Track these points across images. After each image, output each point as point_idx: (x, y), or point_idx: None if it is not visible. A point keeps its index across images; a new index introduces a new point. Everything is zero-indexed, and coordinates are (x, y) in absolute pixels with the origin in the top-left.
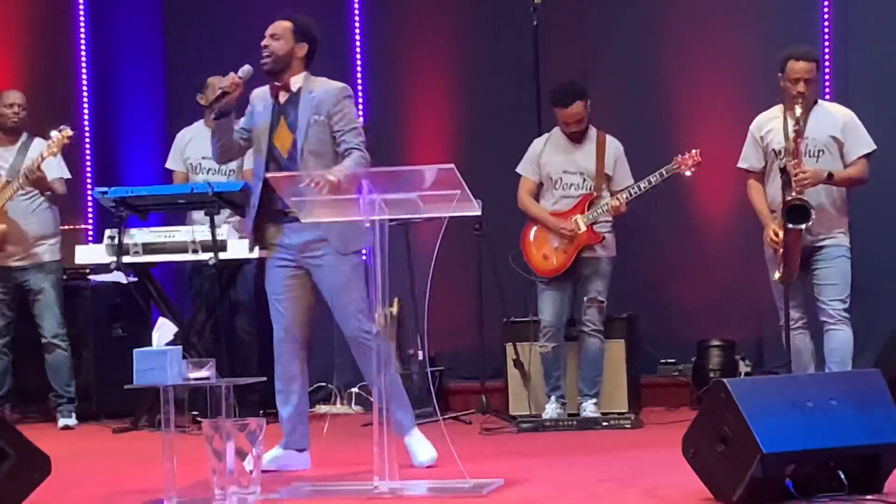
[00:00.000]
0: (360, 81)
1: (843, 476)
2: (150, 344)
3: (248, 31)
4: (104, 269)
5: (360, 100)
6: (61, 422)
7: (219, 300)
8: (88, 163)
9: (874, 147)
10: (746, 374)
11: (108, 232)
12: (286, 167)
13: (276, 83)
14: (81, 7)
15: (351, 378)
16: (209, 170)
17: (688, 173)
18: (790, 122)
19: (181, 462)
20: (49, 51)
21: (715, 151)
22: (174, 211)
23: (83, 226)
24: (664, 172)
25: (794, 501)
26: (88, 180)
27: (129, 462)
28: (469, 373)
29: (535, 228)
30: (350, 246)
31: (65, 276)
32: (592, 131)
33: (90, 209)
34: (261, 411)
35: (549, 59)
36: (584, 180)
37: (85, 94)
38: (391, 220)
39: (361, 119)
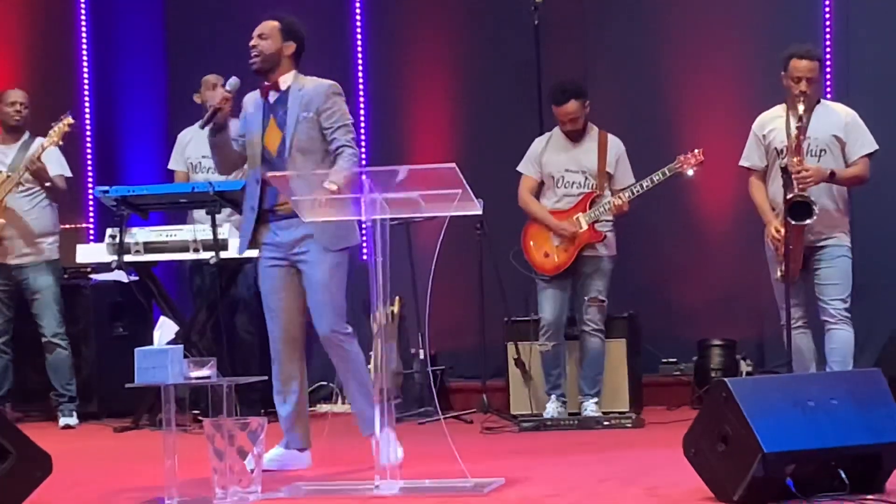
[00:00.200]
0: (361, 81)
1: (843, 475)
2: (151, 343)
3: (249, 31)
4: (105, 267)
5: (361, 99)
6: (62, 421)
7: (220, 299)
8: (89, 162)
9: (876, 147)
10: (747, 373)
11: (109, 231)
12: (275, 165)
13: (265, 82)
14: (83, 6)
15: None
16: (209, 168)
17: (690, 172)
18: (792, 121)
19: (182, 461)
20: (50, 50)
21: (716, 150)
22: (175, 210)
23: (84, 225)
24: (667, 171)
25: (794, 501)
26: (90, 179)
27: (130, 461)
28: (470, 372)
29: (535, 227)
30: (338, 243)
31: (66, 275)
32: (594, 130)
33: (91, 208)
34: (262, 410)
35: (551, 59)
36: (586, 179)
37: (86, 93)
38: (392, 220)
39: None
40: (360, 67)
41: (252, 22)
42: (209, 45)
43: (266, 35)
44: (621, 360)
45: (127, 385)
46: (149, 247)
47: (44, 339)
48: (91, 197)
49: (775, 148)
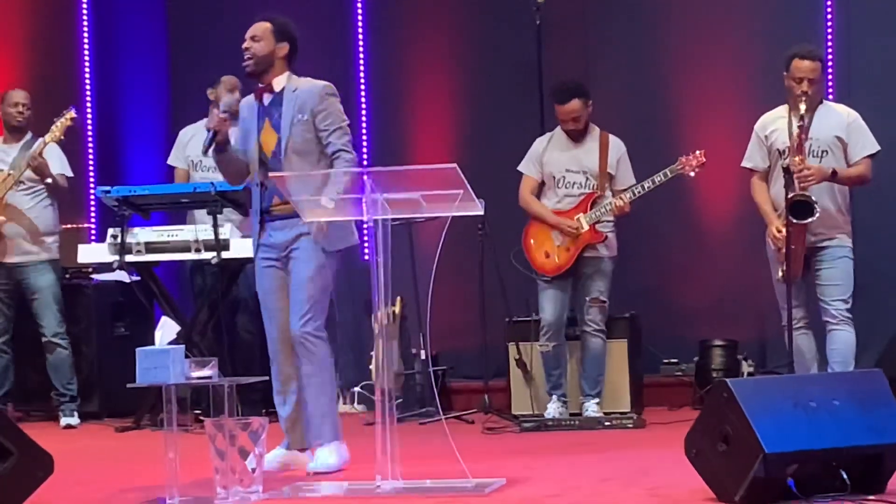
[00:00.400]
0: (362, 80)
1: (845, 476)
2: (152, 343)
3: None
4: (107, 267)
5: (363, 99)
6: (63, 421)
7: (221, 299)
8: (91, 162)
9: (878, 148)
10: (749, 373)
11: (110, 231)
12: (272, 167)
13: (259, 85)
14: (85, 6)
15: (354, 377)
16: (210, 168)
17: (692, 174)
18: (794, 120)
19: (183, 461)
20: (52, 50)
21: (718, 151)
22: (177, 210)
23: (86, 225)
24: (668, 173)
25: (796, 501)
26: (91, 179)
27: (132, 461)
28: (471, 372)
29: (536, 226)
30: (335, 244)
31: (67, 275)
32: (595, 130)
33: (93, 208)
34: (263, 410)
35: (552, 58)
36: (587, 179)
37: (88, 93)
38: (394, 220)
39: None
40: (362, 67)
41: (253, 21)
42: (211, 45)
43: (258, 37)
44: (622, 361)
45: (128, 385)
46: (150, 247)
47: (44, 339)
48: (92, 197)
49: (777, 149)
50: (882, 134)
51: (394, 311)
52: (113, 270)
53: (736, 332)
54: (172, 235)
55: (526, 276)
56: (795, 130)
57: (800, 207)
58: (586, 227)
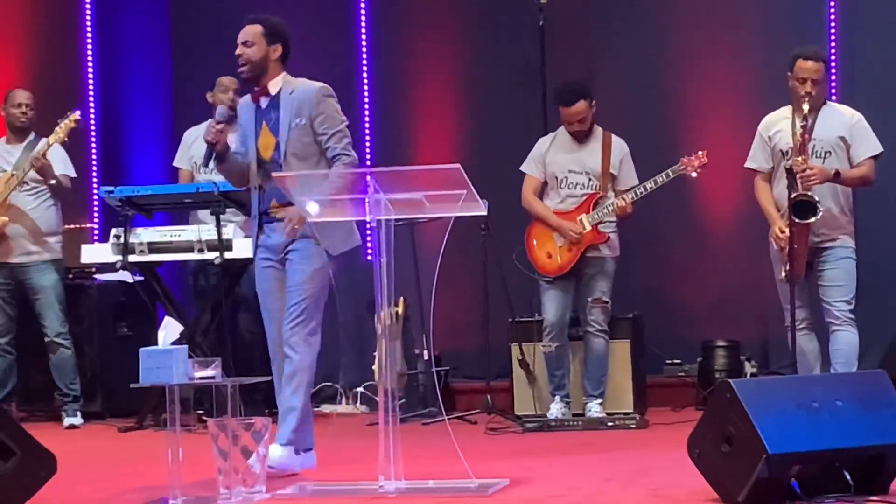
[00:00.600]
0: (366, 81)
1: (848, 477)
2: (155, 343)
3: None
4: (110, 268)
5: (366, 100)
6: (66, 421)
7: (224, 299)
8: (94, 162)
9: (881, 149)
10: (752, 374)
11: (113, 231)
12: (270, 170)
13: (255, 88)
14: (88, 6)
15: (356, 377)
16: (213, 169)
17: (694, 174)
18: (798, 121)
19: (186, 461)
20: (56, 50)
21: (721, 152)
22: (180, 210)
23: (89, 225)
24: (670, 173)
25: (799, 502)
26: (94, 179)
27: (135, 461)
28: (474, 372)
29: (538, 227)
30: (338, 247)
31: (70, 275)
32: (598, 131)
33: (96, 208)
34: (266, 410)
35: (555, 59)
36: (590, 180)
37: (91, 93)
38: (397, 220)
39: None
40: (365, 67)
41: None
42: (214, 45)
43: (251, 42)
44: (625, 361)
45: (131, 385)
46: (153, 247)
47: (47, 339)
48: (96, 197)
49: (781, 149)
50: (885, 135)
51: (397, 312)
52: (116, 270)
53: (739, 332)
54: (175, 236)
55: (529, 276)
56: (798, 130)
57: (803, 207)
58: (588, 228)
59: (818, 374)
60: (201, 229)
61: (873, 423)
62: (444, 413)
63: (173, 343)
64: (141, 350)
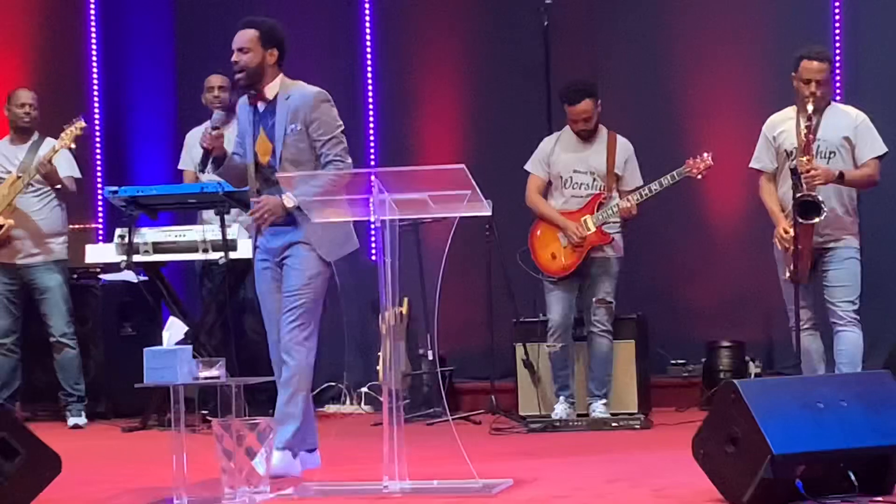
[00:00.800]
0: (370, 81)
1: (853, 477)
2: (160, 343)
3: None
4: (114, 268)
5: (370, 100)
6: (71, 420)
7: (228, 299)
8: (99, 162)
9: (886, 149)
10: (756, 375)
11: (118, 231)
12: (267, 175)
13: (252, 92)
14: (92, 6)
15: (361, 377)
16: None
17: (699, 177)
18: (802, 120)
19: (191, 461)
20: (60, 50)
21: (725, 152)
22: (184, 210)
23: (93, 225)
24: (675, 175)
25: (803, 502)
26: (99, 179)
27: (139, 461)
28: (478, 373)
29: (542, 227)
30: (334, 252)
31: (75, 276)
32: (603, 131)
33: (100, 208)
34: (270, 411)
35: (560, 59)
36: (595, 180)
37: (96, 93)
38: (401, 220)
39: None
40: (369, 67)
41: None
42: (218, 46)
43: (246, 48)
44: (630, 362)
45: (136, 385)
46: (158, 247)
47: (52, 339)
48: (100, 197)
49: (785, 150)
50: (890, 135)
51: (401, 312)
52: (120, 270)
53: (743, 333)
54: (180, 236)
55: (533, 276)
56: (803, 131)
57: (807, 207)
58: (593, 229)
59: (823, 374)
60: (206, 229)
61: (878, 424)
62: (448, 413)
63: (178, 343)
64: (145, 350)
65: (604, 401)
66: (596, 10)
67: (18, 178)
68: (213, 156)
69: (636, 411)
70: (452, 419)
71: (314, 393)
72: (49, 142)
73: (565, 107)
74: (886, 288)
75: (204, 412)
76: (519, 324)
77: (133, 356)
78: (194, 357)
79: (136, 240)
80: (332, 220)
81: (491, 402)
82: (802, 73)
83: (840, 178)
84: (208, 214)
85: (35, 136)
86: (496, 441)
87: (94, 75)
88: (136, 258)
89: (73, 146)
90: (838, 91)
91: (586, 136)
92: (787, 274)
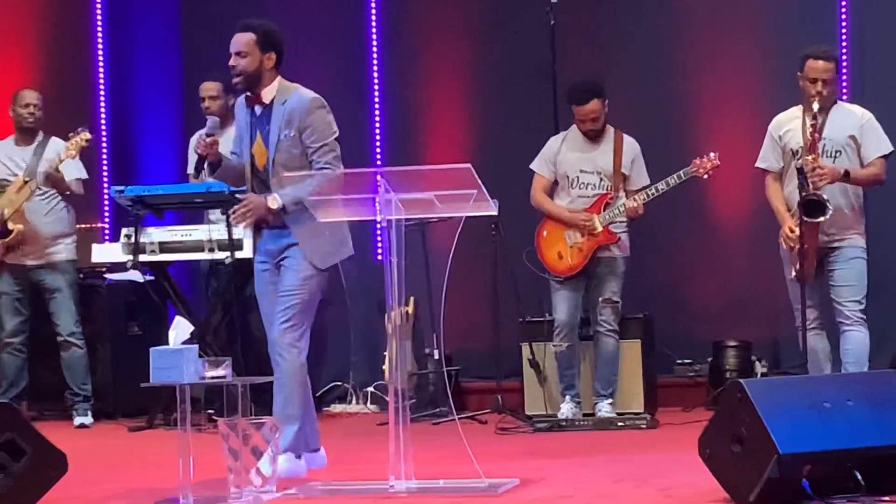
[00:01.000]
0: (376, 80)
1: (859, 477)
2: (166, 342)
3: None
4: (120, 267)
5: (377, 99)
6: (77, 420)
7: (234, 299)
8: (105, 162)
9: (892, 148)
10: (762, 374)
11: (124, 230)
12: (262, 178)
13: (249, 95)
14: (99, 6)
15: (367, 377)
16: None
17: (705, 177)
18: (808, 119)
19: (197, 460)
20: (66, 50)
21: (732, 151)
22: (191, 210)
23: (100, 224)
24: (682, 175)
25: (810, 502)
26: (105, 179)
27: (145, 460)
28: (484, 372)
29: (549, 226)
30: (325, 260)
31: (81, 275)
32: (610, 131)
33: (107, 208)
34: None
35: (566, 59)
36: (601, 180)
37: (102, 93)
38: (408, 220)
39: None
40: (376, 67)
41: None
42: (225, 46)
43: (244, 52)
44: (636, 361)
45: (142, 384)
46: (164, 246)
47: (59, 338)
48: (106, 197)
49: (791, 149)
50: None
51: (407, 311)
52: (127, 270)
53: (749, 332)
54: (186, 235)
55: (539, 276)
56: (808, 129)
57: (812, 206)
58: (600, 228)
59: (829, 374)
60: (212, 229)
61: (884, 423)
62: (454, 413)
63: (184, 343)
64: (151, 349)
65: (610, 400)
66: (602, 10)
67: (26, 182)
68: (208, 161)
69: (642, 411)
70: (458, 419)
71: (319, 393)
72: (54, 142)
73: (573, 107)
74: (893, 287)
75: (210, 412)
76: (525, 323)
77: (139, 356)
78: (200, 356)
79: (142, 239)
80: (336, 220)
81: (497, 402)
82: (808, 73)
83: (846, 177)
84: (214, 214)
85: (40, 137)
86: (502, 441)
87: (101, 75)
88: (143, 258)
89: (77, 157)
90: (844, 91)
91: (594, 136)
92: (793, 273)
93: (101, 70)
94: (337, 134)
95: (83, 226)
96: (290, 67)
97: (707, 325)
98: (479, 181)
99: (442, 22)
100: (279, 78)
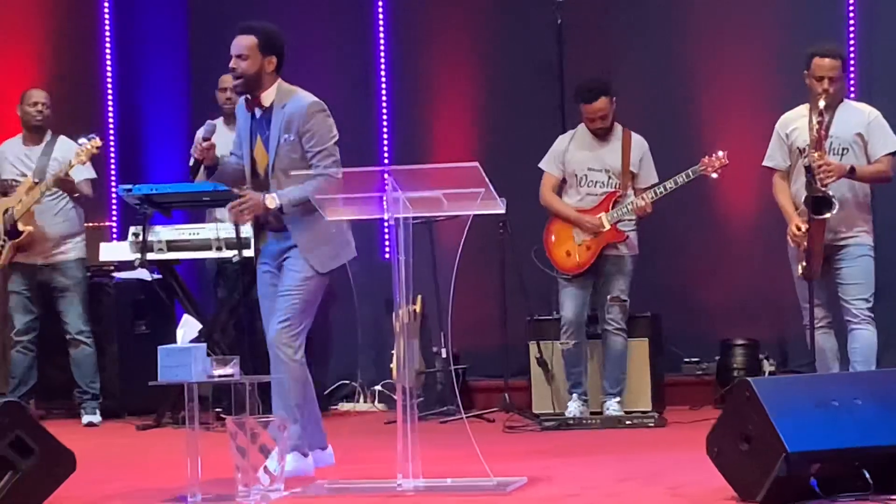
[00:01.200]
0: (383, 79)
1: (867, 475)
2: (174, 341)
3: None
4: (128, 266)
5: (384, 98)
6: (85, 418)
7: (242, 297)
8: (113, 160)
9: None
10: (770, 373)
11: (132, 229)
12: (263, 182)
13: (248, 98)
14: (106, 5)
15: (374, 375)
16: None
17: (714, 175)
18: (814, 116)
19: (205, 459)
20: (74, 49)
21: (739, 150)
22: (198, 208)
23: (107, 223)
24: (690, 174)
25: (818, 501)
26: (113, 178)
27: (153, 459)
28: (492, 371)
29: (557, 225)
30: (326, 264)
31: (89, 274)
32: (618, 129)
33: (114, 206)
34: None
35: (573, 57)
36: (609, 178)
37: (109, 91)
38: (415, 218)
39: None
40: (383, 65)
41: (277, 21)
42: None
43: (245, 55)
44: (644, 360)
45: (150, 383)
46: (172, 245)
47: (68, 336)
48: (114, 195)
49: (798, 147)
50: None
51: (415, 310)
52: (134, 268)
53: (757, 331)
54: (194, 234)
55: (547, 274)
56: (815, 126)
57: (818, 203)
58: (608, 227)
59: (837, 372)
60: (219, 227)
61: (893, 422)
62: (462, 411)
63: (192, 341)
64: (159, 348)
65: (618, 399)
66: (609, 8)
67: (36, 183)
68: (205, 165)
69: (650, 409)
70: (466, 417)
71: (327, 392)
72: (62, 141)
73: (581, 106)
74: None
75: (218, 410)
76: (533, 322)
77: (147, 354)
78: (208, 355)
79: (150, 238)
80: (343, 219)
81: (504, 400)
82: (814, 71)
83: (851, 173)
84: (221, 213)
85: (48, 136)
86: (510, 439)
87: (108, 74)
88: (150, 256)
89: (87, 163)
90: (852, 89)
91: (602, 135)
92: (800, 271)
93: (108, 69)
94: (336, 138)
95: (91, 224)
96: (298, 67)
97: (715, 323)
98: (487, 179)
99: (449, 21)
100: (279, 81)
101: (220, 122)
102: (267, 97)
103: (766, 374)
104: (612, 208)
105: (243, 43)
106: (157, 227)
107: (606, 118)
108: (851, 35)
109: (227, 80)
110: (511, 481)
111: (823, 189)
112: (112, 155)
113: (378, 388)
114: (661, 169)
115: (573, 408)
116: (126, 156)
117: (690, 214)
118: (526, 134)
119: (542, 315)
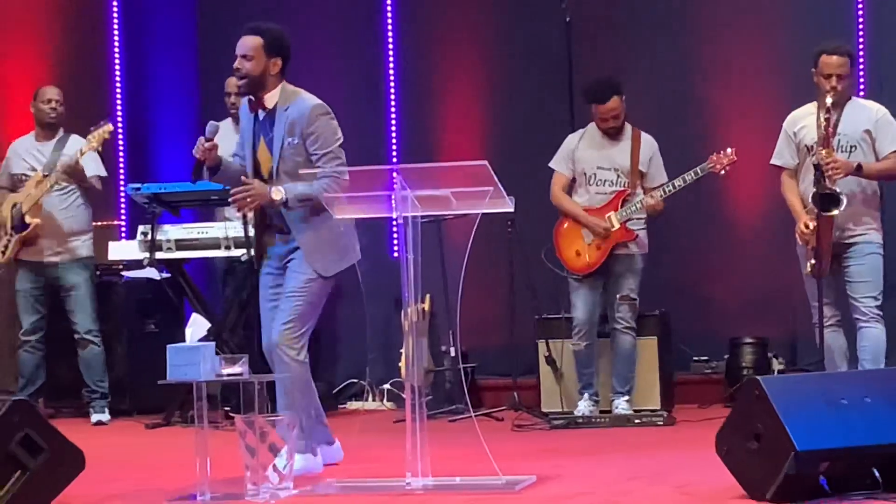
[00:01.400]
0: (392, 78)
1: (877, 474)
2: (183, 340)
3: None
4: (137, 265)
5: (393, 96)
6: (94, 417)
7: (251, 297)
8: (122, 159)
9: None
10: (779, 371)
11: (141, 228)
12: (266, 184)
13: (252, 99)
14: (115, 4)
15: (383, 374)
16: None
17: (722, 172)
18: (822, 113)
19: (214, 458)
20: (83, 48)
21: (748, 148)
22: (207, 207)
23: (116, 222)
24: (699, 171)
25: (827, 499)
26: (122, 177)
27: (162, 457)
28: (501, 369)
29: (567, 224)
30: (330, 268)
31: (98, 272)
32: (627, 128)
33: (123, 205)
34: None
35: (582, 56)
36: (619, 177)
37: (118, 90)
38: (424, 217)
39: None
40: (391, 64)
41: (285, 19)
42: None
43: (250, 56)
44: (653, 358)
45: (159, 382)
46: (180, 244)
47: (77, 336)
48: (123, 194)
49: (806, 145)
50: None
51: (423, 308)
52: (143, 267)
53: (766, 329)
54: (202, 233)
55: (555, 273)
56: (822, 123)
57: (826, 200)
58: (617, 226)
59: (846, 371)
60: (228, 226)
61: None
62: (470, 410)
63: (200, 340)
64: (168, 347)
65: (627, 397)
66: (618, 6)
67: (45, 177)
68: (207, 166)
69: (659, 408)
70: (475, 416)
71: (335, 391)
72: (74, 139)
73: (593, 105)
74: None
75: (227, 409)
76: (541, 320)
77: (156, 353)
78: (217, 354)
79: (158, 237)
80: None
81: (513, 399)
82: (822, 69)
83: (858, 170)
84: (230, 212)
85: (60, 133)
86: (519, 438)
87: (117, 73)
88: (159, 255)
89: (100, 149)
90: (861, 87)
91: (613, 134)
92: (809, 268)
93: (117, 67)
94: (341, 140)
95: (100, 223)
96: (307, 66)
97: (724, 322)
98: (496, 178)
99: (457, 19)
100: (283, 83)
101: (228, 122)
102: (270, 99)
103: (776, 372)
104: (622, 207)
105: (249, 43)
106: (166, 226)
107: (619, 118)
108: (861, 33)
109: (231, 85)
110: (520, 480)
111: (832, 187)
112: (121, 154)
113: (387, 386)
114: (670, 167)
115: (583, 407)
116: (135, 155)
117: (699, 213)
118: (535, 132)
119: (550, 314)
